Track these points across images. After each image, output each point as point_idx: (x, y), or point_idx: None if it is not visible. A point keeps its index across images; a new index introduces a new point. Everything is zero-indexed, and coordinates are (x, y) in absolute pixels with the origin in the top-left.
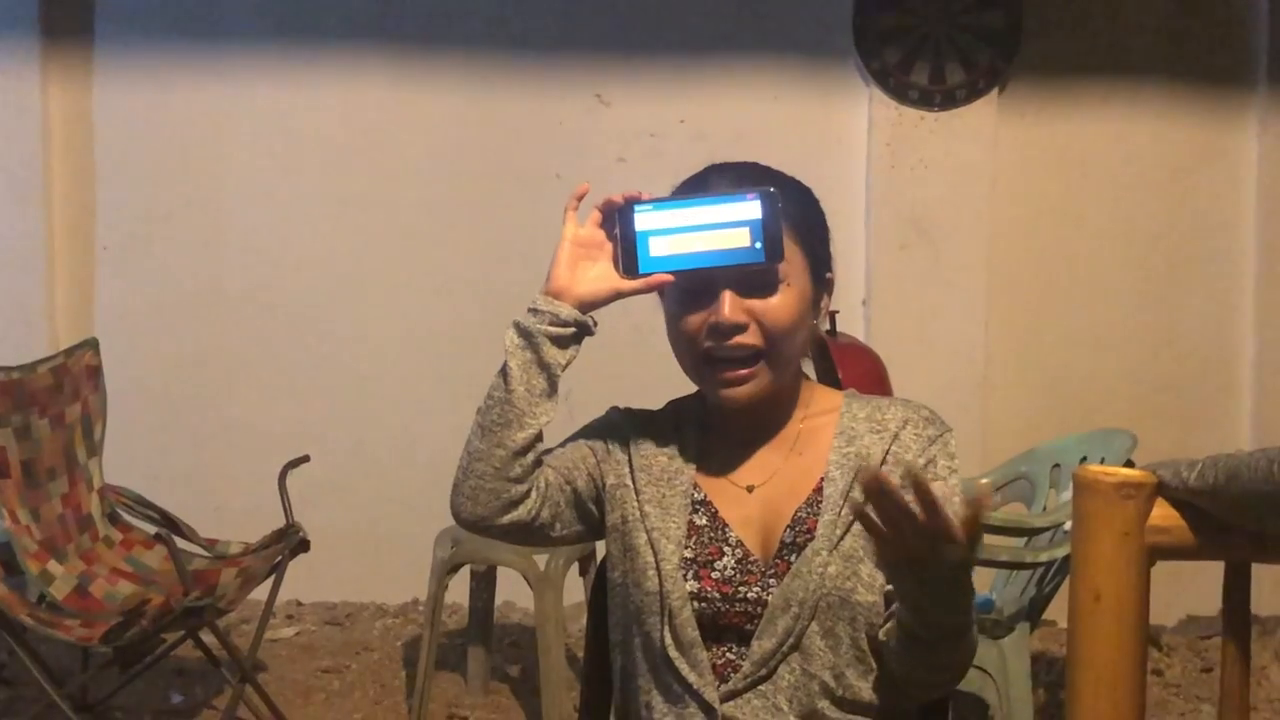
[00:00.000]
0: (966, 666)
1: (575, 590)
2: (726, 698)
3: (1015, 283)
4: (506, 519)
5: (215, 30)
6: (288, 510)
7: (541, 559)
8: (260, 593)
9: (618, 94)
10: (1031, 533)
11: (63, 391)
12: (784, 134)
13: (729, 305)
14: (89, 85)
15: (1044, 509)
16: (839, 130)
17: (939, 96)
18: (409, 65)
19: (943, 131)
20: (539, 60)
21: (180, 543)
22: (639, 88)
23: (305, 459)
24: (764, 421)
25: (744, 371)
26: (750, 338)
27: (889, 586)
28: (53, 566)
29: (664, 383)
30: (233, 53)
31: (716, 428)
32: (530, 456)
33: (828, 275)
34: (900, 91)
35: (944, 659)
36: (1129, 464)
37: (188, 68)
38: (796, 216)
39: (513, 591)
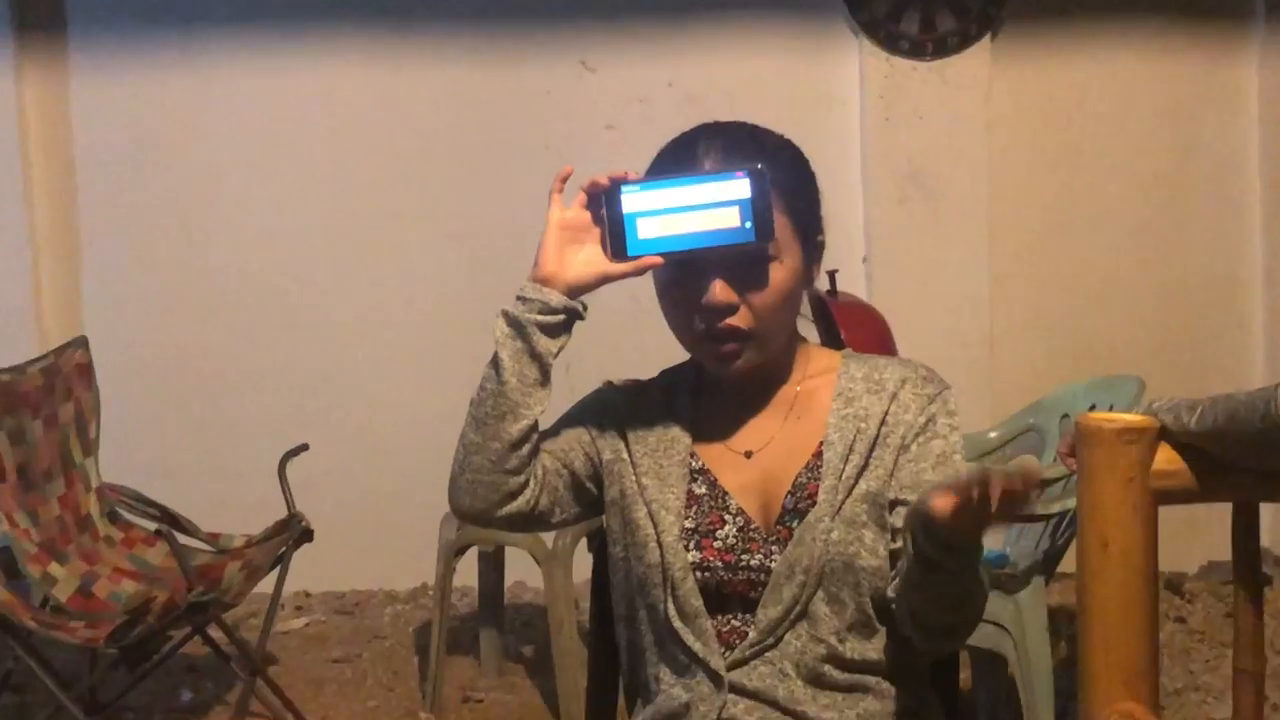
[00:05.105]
0: (981, 609)
1: (585, 566)
2: (733, 666)
3: (1017, 232)
4: (505, 510)
5: (190, 16)
6: (289, 500)
7: (549, 537)
8: (267, 585)
9: (603, 60)
10: (1042, 484)
11: (54, 392)
12: (775, 91)
13: (719, 290)
14: (65, 77)
15: (1054, 460)
16: (830, 85)
17: (930, 45)
18: (388, 42)
19: (936, 81)
20: (521, 29)
21: (182, 538)
22: (624, 52)
23: (304, 447)
24: (760, 386)
25: (735, 347)
26: (740, 320)
27: (895, 545)
28: (54, 569)
29: (663, 353)
30: (209, 38)
31: (712, 394)
32: (526, 448)
33: (819, 239)
34: (891, 42)
35: (962, 591)
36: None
37: (164, 55)
38: (786, 184)
39: (522, 571)
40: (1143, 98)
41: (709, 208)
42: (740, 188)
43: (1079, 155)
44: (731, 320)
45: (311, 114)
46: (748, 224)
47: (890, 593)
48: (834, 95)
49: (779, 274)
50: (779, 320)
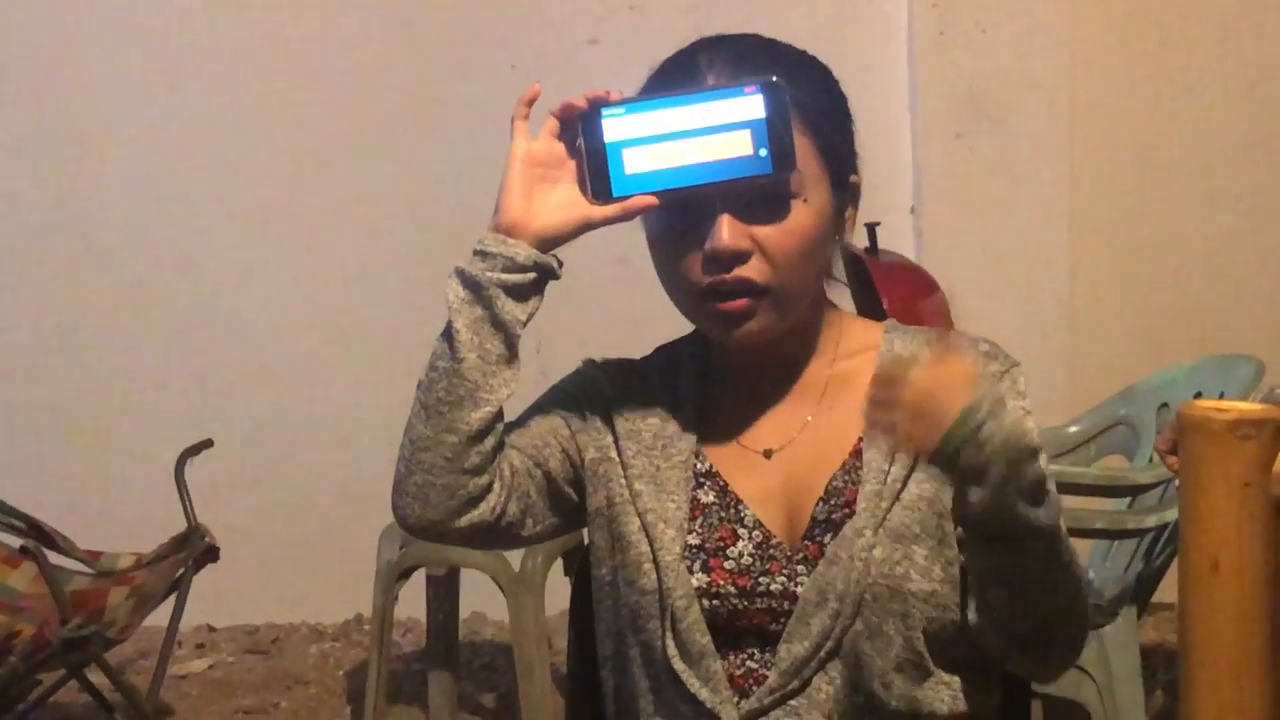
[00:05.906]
0: (1080, 604)
1: (561, 594)
2: (749, 717)
3: (1105, 175)
4: (464, 521)
5: None
6: (189, 510)
7: (515, 557)
8: (160, 617)
9: None
10: (1135, 491)
11: None
12: None
13: (727, 230)
14: None
15: (1149, 460)
16: None
17: None
18: None
19: None
20: None
21: (53, 557)
22: None
23: (208, 444)
24: (782, 367)
25: (745, 302)
26: (752, 271)
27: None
28: None
29: (658, 326)
30: None
31: (722, 377)
32: (489, 441)
33: (852, 179)
34: None
35: (1048, 587)
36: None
37: None
38: (811, 108)
39: (482, 600)
40: (1267, 3)
41: (713, 132)
42: (752, 106)
43: (1185, 79)
44: (743, 270)
45: (215, 29)
46: (762, 151)
47: (971, 616)
48: (874, 2)
49: (802, 216)
50: (801, 275)
